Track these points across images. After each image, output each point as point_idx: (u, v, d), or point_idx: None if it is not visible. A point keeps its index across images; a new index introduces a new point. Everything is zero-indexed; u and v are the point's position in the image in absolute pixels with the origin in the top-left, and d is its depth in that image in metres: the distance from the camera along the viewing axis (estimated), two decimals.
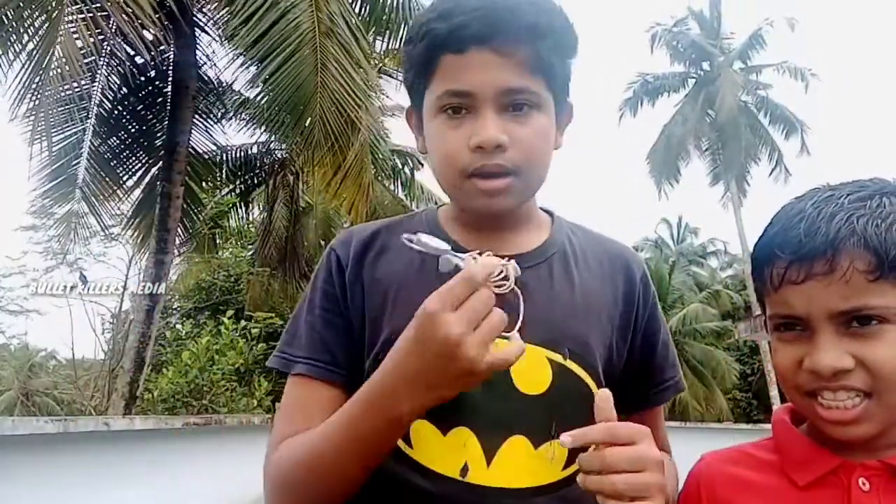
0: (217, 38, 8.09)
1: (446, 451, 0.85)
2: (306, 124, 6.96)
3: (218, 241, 11.94)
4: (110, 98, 8.25)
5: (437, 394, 0.74)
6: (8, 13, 5.97)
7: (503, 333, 0.74)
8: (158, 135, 8.51)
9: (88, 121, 7.98)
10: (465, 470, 0.84)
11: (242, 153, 10.65)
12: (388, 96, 10.47)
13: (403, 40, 0.91)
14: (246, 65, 7.23)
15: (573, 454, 0.85)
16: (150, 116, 8.61)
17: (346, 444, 0.79)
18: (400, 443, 0.85)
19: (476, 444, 0.85)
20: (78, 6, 5.90)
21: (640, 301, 0.98)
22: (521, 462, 0.85)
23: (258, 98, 7.30)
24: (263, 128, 8.17)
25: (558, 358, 0.88)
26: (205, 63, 8.48)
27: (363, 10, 8.29)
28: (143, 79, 8.24)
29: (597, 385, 0.91)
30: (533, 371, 0.87)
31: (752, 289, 0.85)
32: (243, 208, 11.74)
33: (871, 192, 0.74)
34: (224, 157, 10.26)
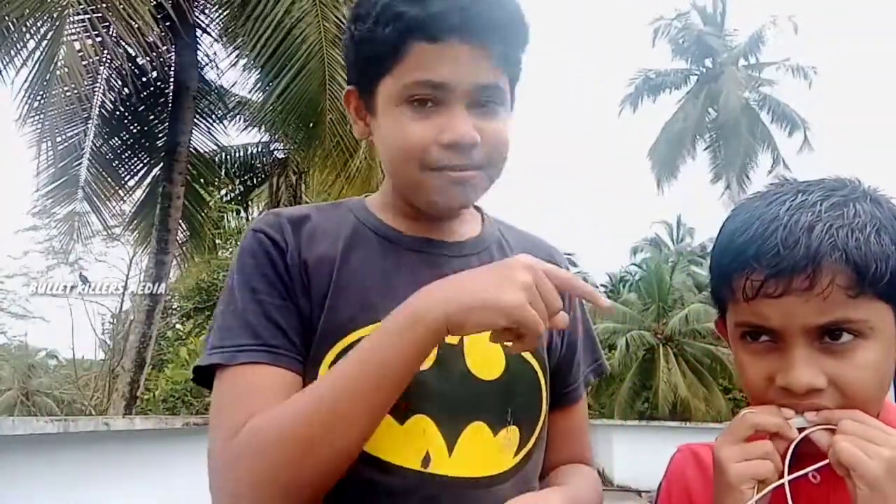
0: (219, 40, 8.11)
1: (405, 441, 0.79)
2: (315, 135, 7.01)
3: (218, 242, 11.94)
4: (112, 99, 8.26)
5: (476, 296, 0.71)
6: (13, 18, 5.98)
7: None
8: (160, 135, 8.52)
9: (91, 122, 8.00)
10: (426, 460, 0.79)
11: (243, 153, 10.66)
12: None
13: (352, 17, 0.88)
14: (258, 85, 7.33)
15: (523, 440, 0.86)
16: (152, 117, 8.63)
17: (366, 379, 0.72)
18: None
19: (436, 432, 0.80)
20: (81, 6, 5.92)
21: (566, 294, 0.96)
22: (482, 449, 0.82)
23: (267, 110, 7.36)
24: (273, 135, 8.22)
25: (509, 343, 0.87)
26: (206, 64, 8.52)
27: None
28: (144, 80, 8.26)
29: (542, 371, 0.91)
30: (487, 356, 0.85)
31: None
32: (244, 208, 11.75)
33: (843, 197, 0.72)
34: (225, 158, 10.27)
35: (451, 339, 0.83)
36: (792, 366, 0.70)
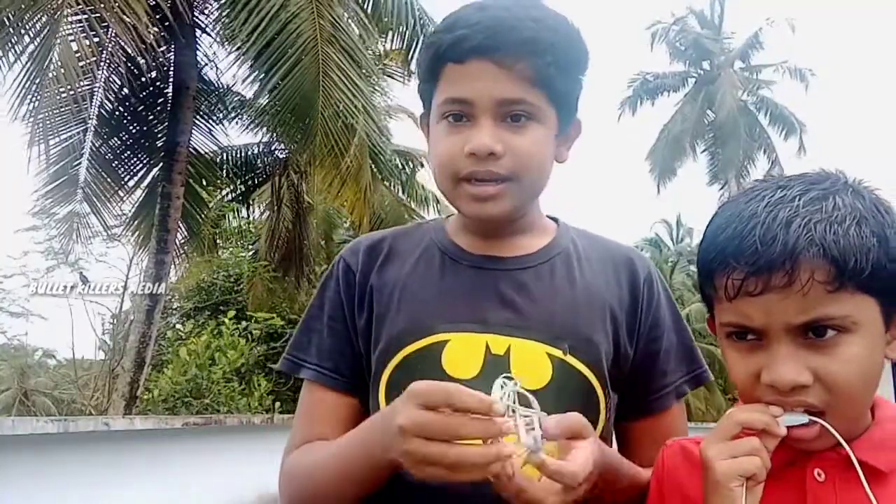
0: (218, 40, 8.10)
1: None
2: (309, 132, 7.00)
3: (218, 242, 11.92)
4: (111, 99, 8.25)
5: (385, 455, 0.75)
6: (9, 15, 5.97)
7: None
8: (159, 135, 8.51)
9: (90, 121, 7.98)
10: None
11: (243, 153, 10.63)
12: (390, 97, 10.49)
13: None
14: (251, 78, 7.32)
15: None
16: (151, 117, 8.62)
17: (335, 476, 0.85)
18: None
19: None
20: (79, 6, 5.91)
21: (643, 302, 0.98)
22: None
23: (264, 108, 7.34)
24: (267, 133, 8.22)
25: (558, 353, 0.90)
26: (206, 64, 8.50)
27: (366, 5, 8.22)
28: (143, 79, 8.25)
29: (599, 380, 0.92)
30: (533, 366, 0.89)
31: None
32: (245, 208, 11.73)
33: (823, 190, 0.71)
34: (225, 158, 10.25)
35: (497, 350, 0.90)
36: (776, 363, 0.69)
